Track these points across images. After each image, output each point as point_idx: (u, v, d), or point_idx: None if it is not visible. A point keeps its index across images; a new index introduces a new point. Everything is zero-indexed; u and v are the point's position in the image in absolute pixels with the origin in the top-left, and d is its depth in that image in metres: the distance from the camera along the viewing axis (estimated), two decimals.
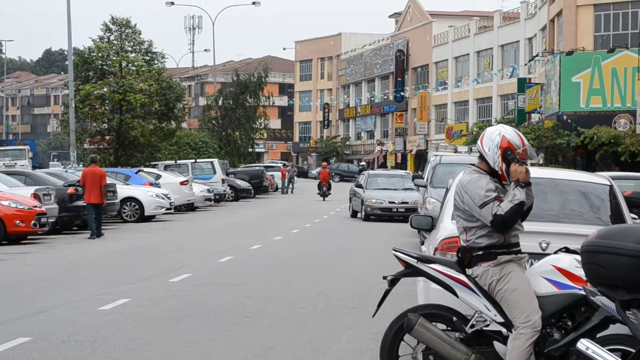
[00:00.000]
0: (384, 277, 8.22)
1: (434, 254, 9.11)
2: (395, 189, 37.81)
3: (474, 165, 8.03)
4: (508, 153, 7.78)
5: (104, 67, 54.11)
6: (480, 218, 7.79)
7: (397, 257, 8.21)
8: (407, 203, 35.82)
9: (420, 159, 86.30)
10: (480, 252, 7.83)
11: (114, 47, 53.71)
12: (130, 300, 14.26)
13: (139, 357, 10.23)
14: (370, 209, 36.51)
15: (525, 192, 7.76)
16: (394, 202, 36.47)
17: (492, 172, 7.89)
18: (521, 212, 7.75)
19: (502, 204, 7.68)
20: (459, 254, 8.00)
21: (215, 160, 53.87)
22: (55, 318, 12.61)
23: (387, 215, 36.31)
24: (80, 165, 46.35)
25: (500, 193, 7.83)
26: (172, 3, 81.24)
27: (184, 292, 15.30)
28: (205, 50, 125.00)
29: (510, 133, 7.87)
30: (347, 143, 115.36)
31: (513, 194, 7.69)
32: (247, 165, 72.91)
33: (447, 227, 9.36)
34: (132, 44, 54.33)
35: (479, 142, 8.00)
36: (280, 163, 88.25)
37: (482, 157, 7.97)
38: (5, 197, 25.87)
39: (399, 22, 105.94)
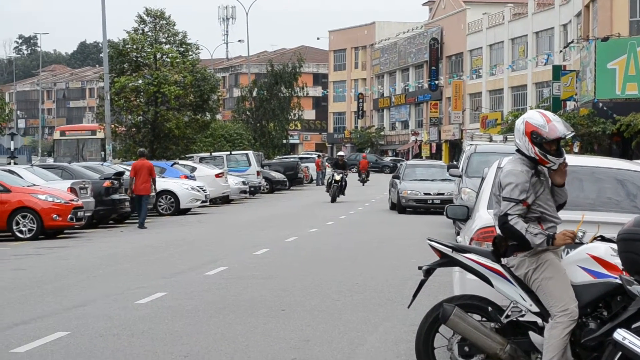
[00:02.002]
0: (420, 268, 8.20)
1: (470, 243, 9.05)
2: (432, 180, 36.62)
3: (522, 153, 7.87)
4: (534, 136, 7.72)
5: (139, 59, 54.16)
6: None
7: (432, 247, 8.19)
8: (443, 194, 34.61)
9: (455, 148, 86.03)
10: (516, 242, 7.78)
11: (149, 39, 53.77)
12: (166, 293, 14.32)
13: (175, 350, 10.27)
14: (405, 200, 35.48)
15: (562, 191, 7.97)
16: (429, 194, 35.37)
17: (533, 160, 7.81)
18: (519, 241, 7.69)
19: (521, 221, 7.62)
20: (494, 244, 7.95)
21: (250, 152, 53.91)
22: (93, 312, 12.69)
23: (422, 207, 35.50)
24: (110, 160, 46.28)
25: (541, 177, 7.79)
26: None
27: (220, 285, 15.34)
28: (239, 40, 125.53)
29: (533, 116, 7.79)
30: (382, 133, 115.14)
31: (536, 233, 7.62)
32: (281, 156, 72.90)
33: (483, 216, 9.29)
34: (166, 35, 54.35)
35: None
36: (315, 154, 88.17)
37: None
38: (42, 191, 26.02)
39: (433, 10, 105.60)
